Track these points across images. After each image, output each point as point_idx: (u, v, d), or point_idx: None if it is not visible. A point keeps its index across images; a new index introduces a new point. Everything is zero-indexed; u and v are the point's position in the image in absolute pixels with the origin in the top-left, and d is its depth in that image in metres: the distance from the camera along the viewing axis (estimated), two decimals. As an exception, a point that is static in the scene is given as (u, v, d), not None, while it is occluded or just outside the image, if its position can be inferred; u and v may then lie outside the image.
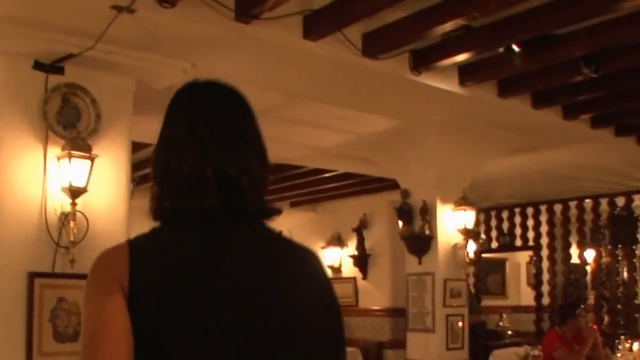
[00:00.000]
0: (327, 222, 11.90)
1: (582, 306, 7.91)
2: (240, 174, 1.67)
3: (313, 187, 10.34)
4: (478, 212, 7.20)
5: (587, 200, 10.89)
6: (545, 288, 11.50)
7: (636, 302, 10.35)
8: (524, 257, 13.30)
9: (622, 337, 8.08)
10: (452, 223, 7.09)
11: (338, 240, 11.54)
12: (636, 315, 10.28)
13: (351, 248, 11.35)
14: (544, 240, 11.50)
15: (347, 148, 7.51)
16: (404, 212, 7.20)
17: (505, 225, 11.80)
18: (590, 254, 11.22)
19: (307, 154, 7.82)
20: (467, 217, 7.05)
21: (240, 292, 1.62)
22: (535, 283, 11.59)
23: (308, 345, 1.67)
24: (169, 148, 1.70)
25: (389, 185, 9.92)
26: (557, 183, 10.08)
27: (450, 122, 6.59)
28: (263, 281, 1.65)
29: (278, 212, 1.78)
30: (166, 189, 1.67)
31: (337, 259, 11.52)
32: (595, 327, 8.05)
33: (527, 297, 13.09)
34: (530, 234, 11.56)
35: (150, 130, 6.05)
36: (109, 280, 1.57)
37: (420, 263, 7.14)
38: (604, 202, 10.74)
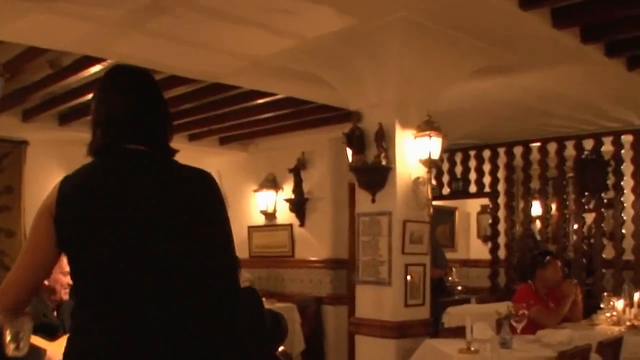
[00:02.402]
0: (260, 163, 10.58)
1: (552, 254, 6.78)
2: (146, 129, 2.29)
3: (244, 117, 8.93)
4: (445, 139, 5.91)
5: (551, 143, 9.76)
6: (501, 240, 10.41)
7: (603, 256, 9.25)
8: (474, 206, 12.29)
9: (605, 294, 6.97)
10: (414, 152, 5.81)
11: (272, 183, 10.27)
12: (603, 270, 9.20)
13: (287, 191, 10.07)
14: (502, 187, 10.38)
15: (287, 58, 6.09)
16: (355, 138, 5.89)
17: (459, 170, 10.63)
18: (552, 203, 10.12)
19: (238, 68, 6.38)
20: (433, 145, 5.77)
21: (141, 204, 2.15)
22: (492, 233, 10.45)
23: (201, 246, 2.19)
24: (96, 111, 2.31)
25: (331, 117, 8.67)
26: (521, 120, 8.93)
27: (415, 22, 5.24)
28: (160, 196, 2.18)
29: (175, 150, 2.38)
30: (93, 135, 2.30)
31: (271, 203, 10.24)
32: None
33: (476, 250, 12.12)
34: (487, 180, 10.41)
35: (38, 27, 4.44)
36: (44, 208, 2.21)
37: (373, 201, 5.85)
38: (570, 145, 9.63)
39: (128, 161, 2.23)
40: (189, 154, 10.56)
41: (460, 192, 10.62)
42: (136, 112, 2.27)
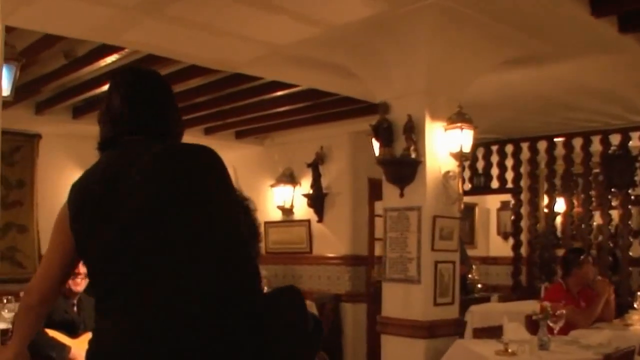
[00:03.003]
0: (277, 157, 10.31)
1: (587, 253, 6.54)
2: (145, 122, 2.33)
3: (261, 110, 8.69)
4: (476, 132, 5.69)
5: (576, 138, 9.51)
6: (522, 237, 10.18)
7: (630, 254, 9.01)
8: (494, 202, 12.04)
9: (639, 293, 6.74)
10: (444, 145, 5.59)
11: (290, 178, 10.03)
12: (630, 269, 8.97)
13: (305, 186, 9.84)
14: (525, 183, 10.14)
15: (311, 47, 5.85)
16: (383, 130, 5.66)
17: (480, 165, 10.37)
18: (575, 199, 9.88)
19: (258, 57, 6.12)
20: (464, 138, 5.55)
21: (139, 190, 2.11)
22: (514, 230, 10.21)
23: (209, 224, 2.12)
24: (102, 111, 2.39)
25: (351, 110, 8.45)
26: (547, 114, 8.69)
27: (448, 8, 4.99)
28: (156, 178, 2.14)
29: (176, 137, 2.42)
30: (102, 130, 2.37)
31: (288, 198, 10.02)
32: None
33: (496, 247, 11.89)
34: (509, 175, 10.17)
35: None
36: (62, 210, 2.27)
37: (402, 195, 5.63)
38: (596, 140, 9.37)
39: (126, 151, 2.27)
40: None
41: (482, 187, 10.35)
42: (134, 107, 2.34)
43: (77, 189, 2.27)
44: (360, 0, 4.88)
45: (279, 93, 7.81)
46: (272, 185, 10.15)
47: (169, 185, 2.13)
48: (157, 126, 2.36)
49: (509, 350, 4.36)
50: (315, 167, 9.69)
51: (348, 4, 4.95)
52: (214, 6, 5.05)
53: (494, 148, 10.25)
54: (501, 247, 11.52)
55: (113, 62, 6.51)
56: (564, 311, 4.89)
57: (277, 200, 10.05)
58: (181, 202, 2.11)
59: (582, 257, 6.33)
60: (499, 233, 12.06)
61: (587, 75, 6.76)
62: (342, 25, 5.32)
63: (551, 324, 4.80)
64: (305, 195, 9.74)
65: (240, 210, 2.39)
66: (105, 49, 6.16)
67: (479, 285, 10.58)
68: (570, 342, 4.86)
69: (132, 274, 2.07)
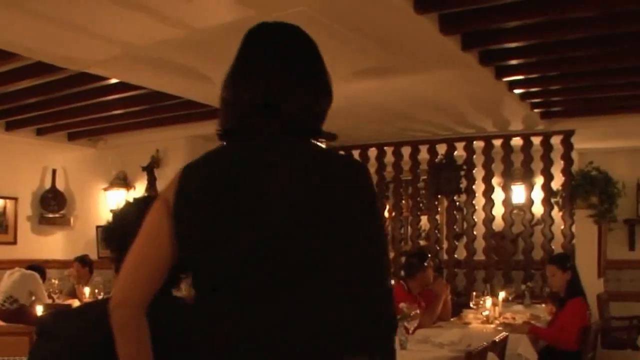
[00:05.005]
0: (110, 160, 10.06)
1: (429, 256, 6.88)
2: (286, 103, 1.86)
3: (95, 112, 8.49)
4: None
5: (405, 146, 9.96)
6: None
7: (456, 256, 9.54)
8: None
9: (474, 293, 7.17)
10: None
11: (123, 181, 9.89)
12: (455, 270, 9.50)
13: (140, 190, 9.71)
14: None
15: (169, 49, 5.76)
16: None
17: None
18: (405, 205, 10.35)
19: (110, 57, 5.92)
20: (319, 145, 5.70)
21: (272, 200, 1.76)
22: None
23: (345, 255, 1.76)
24: (230, 80, 1.96)
25: (190, 114, 8.43)
26: (383, 122, 9.06)
27: (312, 18, 5.07)
28: (297, 190, 1.77)
29: (320, 138, 1.96)
30: (223, 113, 1.94)
31: (121, 202, 9.77)
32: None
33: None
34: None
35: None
36: (162, 198, 1.92)
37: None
38: (423, 149, 9.86)
39: (261, 148, 1.86)
40: (36, 148, 10.00)
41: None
42: (277, 90, 1.89)
43: (194, 178, 1.89)
44: (226, 4, 4.90)
45: (116, 96, 7.65)
46: (105, 189, 9.94)
47: (325, 201, 1.78)
48: (302, 119, 1.91)
49: (371, 350, 4.51)
50: (150, 170, 9.59)
51: (213, 7, 4.96)
52: (75, 1, 4.90)
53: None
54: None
55: None
56: (418, 312, 5.12)
57: (111, 204, 9.81)
58: (333, 224, 1.77)
59: (426, 261, 6.64)
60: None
61: (429, 88, 7.13)
62: (204, 29, 5.32)
63: (406, 324, 5.01)
64: (140, 200, 9.56)
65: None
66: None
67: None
68: (423, 341, 5.09)
69: (258, 293, 1.78)
